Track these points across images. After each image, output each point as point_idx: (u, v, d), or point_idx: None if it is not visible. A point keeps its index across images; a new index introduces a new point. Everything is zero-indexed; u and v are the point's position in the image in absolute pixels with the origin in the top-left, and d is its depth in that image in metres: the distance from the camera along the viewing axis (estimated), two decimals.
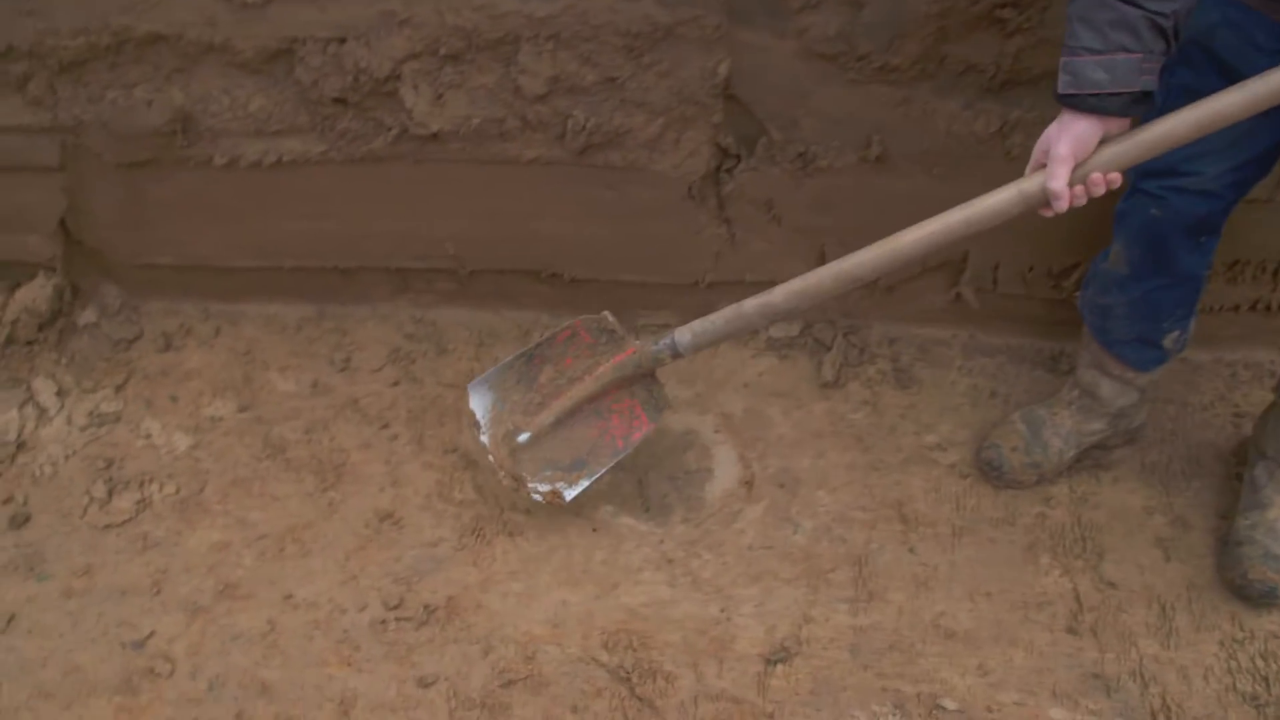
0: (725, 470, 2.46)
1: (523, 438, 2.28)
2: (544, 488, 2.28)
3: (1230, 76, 1.72)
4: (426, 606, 2.24)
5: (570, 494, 2.28)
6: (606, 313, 2.28)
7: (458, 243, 2.54)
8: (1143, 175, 1.97)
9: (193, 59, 2.27)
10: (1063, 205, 1.75)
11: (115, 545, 2.35)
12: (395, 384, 2.60)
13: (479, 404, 2.31)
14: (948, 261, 2.49)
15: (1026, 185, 1.79)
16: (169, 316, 2.72)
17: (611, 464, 2.28)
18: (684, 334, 2.17)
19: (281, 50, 2.25)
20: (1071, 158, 1.71)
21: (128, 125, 2.31)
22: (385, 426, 2.53)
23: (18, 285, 2.61)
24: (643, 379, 2.27)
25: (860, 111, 2.27)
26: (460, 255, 2.56)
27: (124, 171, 2.43)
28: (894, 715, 2.11)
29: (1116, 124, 1.71)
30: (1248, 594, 2.19)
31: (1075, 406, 2.36)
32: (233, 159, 2.39)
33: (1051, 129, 1.74)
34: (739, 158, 2.39)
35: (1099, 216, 2.29)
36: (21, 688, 2.15)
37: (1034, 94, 2.20)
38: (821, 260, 2.51)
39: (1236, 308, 2.50)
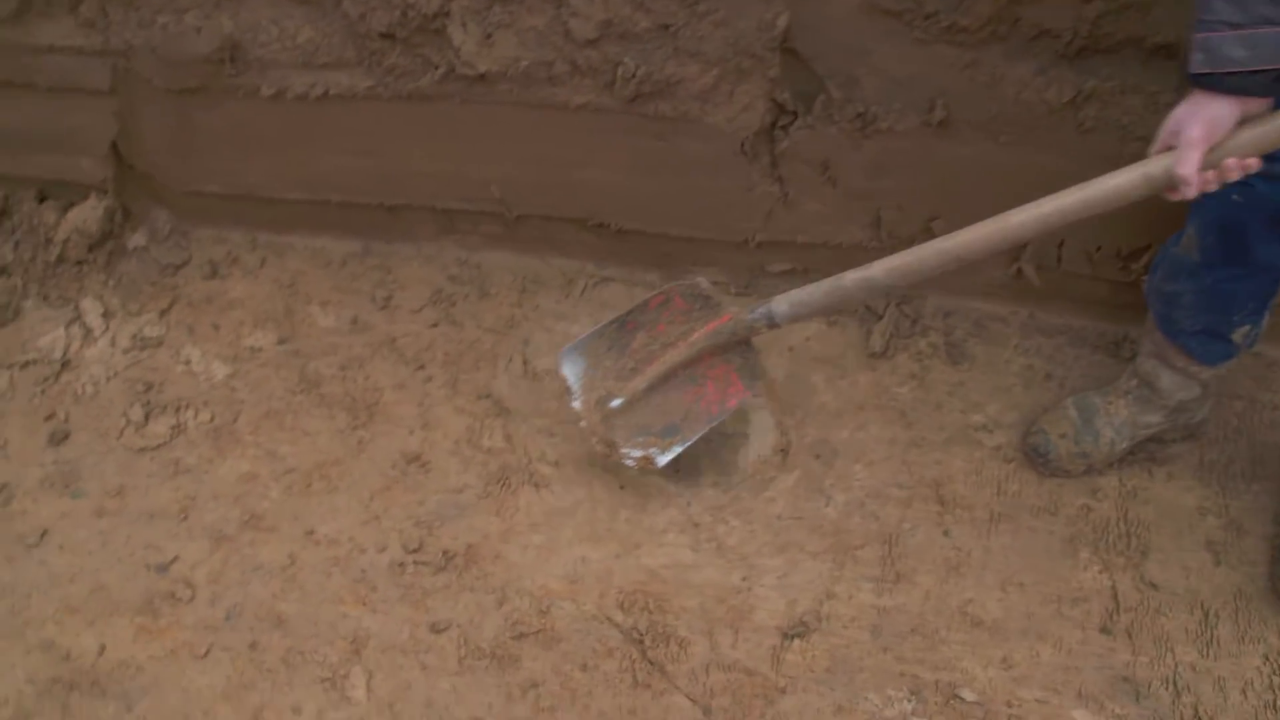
0: (761, 436, 2.40)
1: (616, 403, 2.25)
2: (636, 453, 2.24)
3: None
4: (445, 552, 2.23)
5: (663, 460, 2.23)
6: (701, 279, 2.25)
7: (503, 186, 2.48)
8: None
9: None
10: (1191, 192, 1.63)
11: (148, 469, 2.37)
12: (434, 325, 2.57)
13: (571, 370, 2.29)
14: None
15: (1151, 168, 1.67)
16: (217, 244, 2.73)
17: (705, 430, 2.24)
18: (781, 303, 2.10)
19: None
20: (1204, 142, 1.58)
21: (177, 51, 2.29)
22: (421, 368, 2.50)
23: (70, 206, 2.63)
24: (738, 346, 2.21)
25: (924, 72, 2.15)
26: (506, 199, 2.51)
27: (173, 98, 2.42)
28: (909, 701, 2.04)
29: (1256, 104, 1.58)
30: None
31: (1132, 396, 2.24)
32: (280, 90, 2.36)
33: (1181, 110, 1.62)
34: (795, 115, 2.28)
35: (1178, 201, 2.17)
36: (49, 601, 2.20)
37: (1112, 63, 2.06)
38: (877, 226, 2.42)
39: None
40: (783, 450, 2.38)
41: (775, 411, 2.43)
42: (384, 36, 2.23)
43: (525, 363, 2.51)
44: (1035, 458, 2.29)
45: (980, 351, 2.50)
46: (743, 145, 2.30)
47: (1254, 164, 1.61)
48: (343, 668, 2.10)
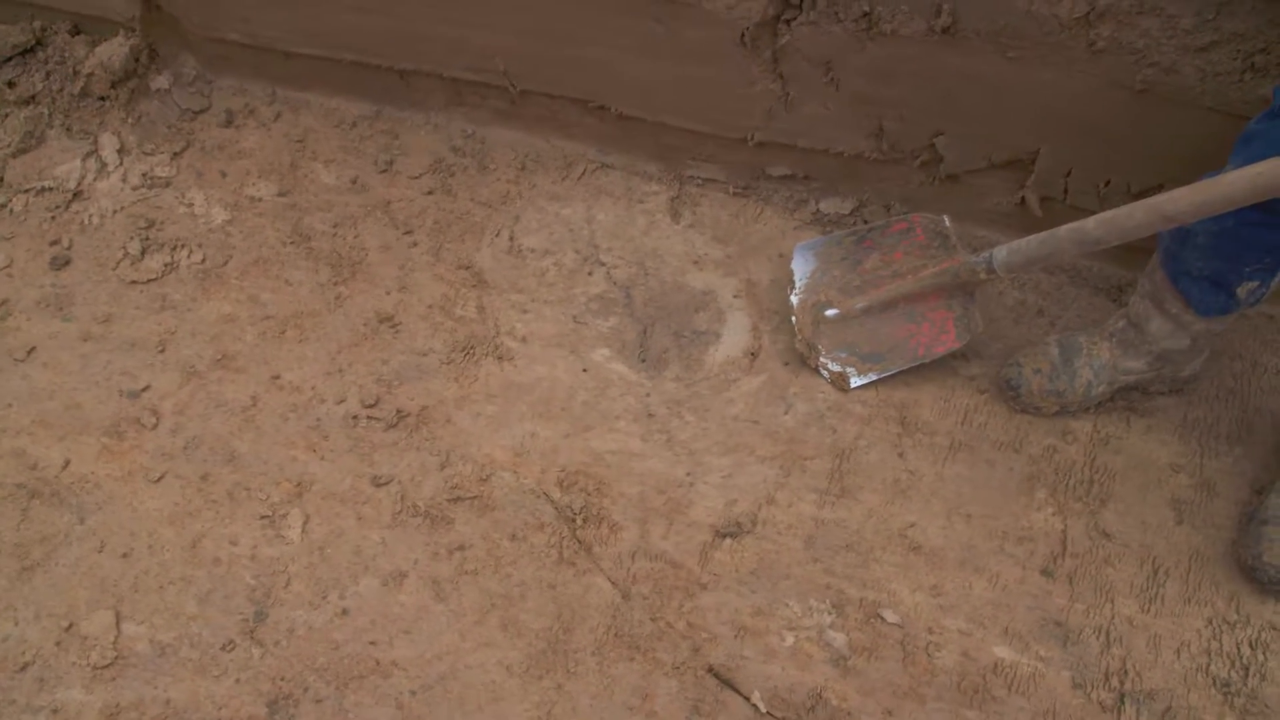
0: (734, 337, 2.36)
1: (831, 313, 2.29)
2: (834, 367, 2.28)
3: None
4: (399, 411, 2.26)
5: (856, 382, 2.27)
6: (945, 216, 2.26)
7: (507, 58, 2.45)
8: None
9: None
10: None
11: (136, 300, 2.44)
12: (429, 193, 2.58)
13: (800, 266, 2.36)
14: (1017, 159, 2.26)
15: None
16: (236, 95, 2.76)
17: (905, 367, 2.25)
18: (1000, 251, 2.09)
19: None
20: None
21: None
22: (409, 233, 2.52)
23: (99, 41, 2.69)
24: (961, 294, 2.22)
25: None
26: (510, 72, 2.48)
27: None
28: (829, 614, 2.01)
29: None
30: (1259, 576, 1.97)
31: (1117, 339, 2.13)
32: None
33: None
34: (800, 8, 2.20)
35: (1195, 134, 2.05)
36: (26, 413, 2.29)
37: None
38: (879, 137, 2.34)
39: None
40: (752, 354, 2.34)
41: (753, 314, 2.38)
42: None
43: (512, 239, 2.50)
44: (1007, 390, 2.20)
45: None
46: (743, 36, 2.23)
47: None
48: (283, 508, 2.15)
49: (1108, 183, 2.22)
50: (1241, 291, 1.94)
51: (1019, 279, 2.39)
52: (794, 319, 2.30)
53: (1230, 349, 2.26)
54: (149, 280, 2.47)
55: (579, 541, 2.10)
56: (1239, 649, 1.94)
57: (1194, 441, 2.18)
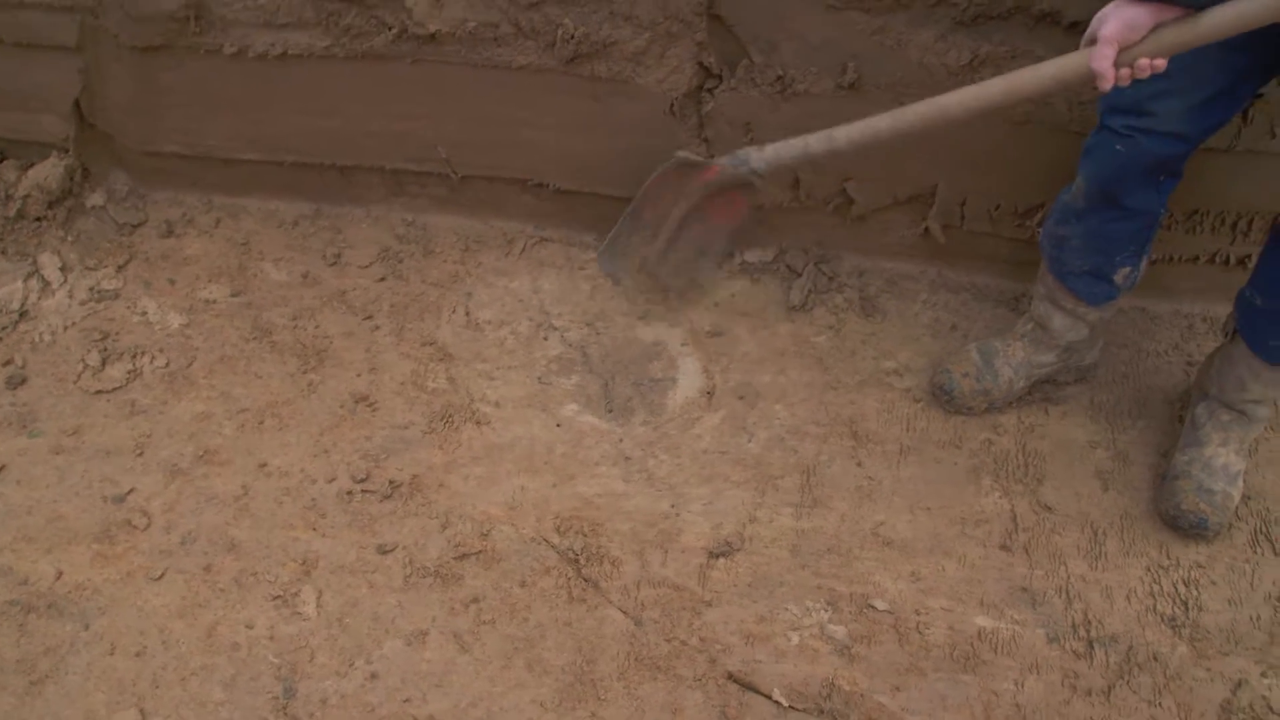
0: (689, 380, 2.57)
1: (650, 260, 2.57)
2: (682, 285, 2.67)
3: None
4: (392, 482, 2.36)
5: (707, 281, 2.70)
6: (682, 150, 2.49)
7: (449, 146, 2.64)
8: (1109, 111, 2.04)
9: None
10: (1107, 85, 1.78)
11: (104, 409, 2.47)
12: (382, 280, 2.71)
13: (608, 264, 2.65)
14: (917, 194, 2.58)
15: (1071, 60, 1.83)
16: (173, 206, 2.84)
17: (729, 237, 2.60)
18: (755, 156, 2.33)
19: None
20: (1117, 40, 1.73)
21: (145, 7, 2.43)
22: (369, 318, 2.64)
23: (31, 164, 2.73)
24: (725, 187, 2.45)
25: (837, 38, 2.36)
26: (452, 159, 2.67)
27: (138, 56, 2.55)
28: (826, 611, 2.21)
29: (1170, 12, 1.73)
30: (1179, 524, 2.28)
31: (1028, 339, 2.45)
32: (241, 49, 2.50)
33: (1107, 8, 1.76)
34: (720, 78, 2.48)
35: (1067, 157, 2.38)
36: (6, 531, 2.28)
37: (1004, 29, 2.29)
38: (797, 186, 2.62)
39: (1196, 259, 2.57)
40: (708, 393, 2.55)
41: (702, 358, 2.60)
42: None
43: (468, 313, 2.65)
44: (940, 395, 2.48)
45: (892, 306, 2.70)
46: (672, 106, 2.49)
47: (1161, 64, 1.76)
48: (293, 586, 2.21)
49: (998, 206, 2.56)
50: (1119, 278, 2.28)
51: (930, 300, 2.69)
52: (640, 289, 2.65)
53: (1117, 340, 2.61)
54: (114, 389, 2.50)
55: (585, 579, 2.24)
56: (1176, 588, 2.23)
57: (1103, 420, 2.50)
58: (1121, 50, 1.75)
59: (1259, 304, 2.14)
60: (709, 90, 2.50)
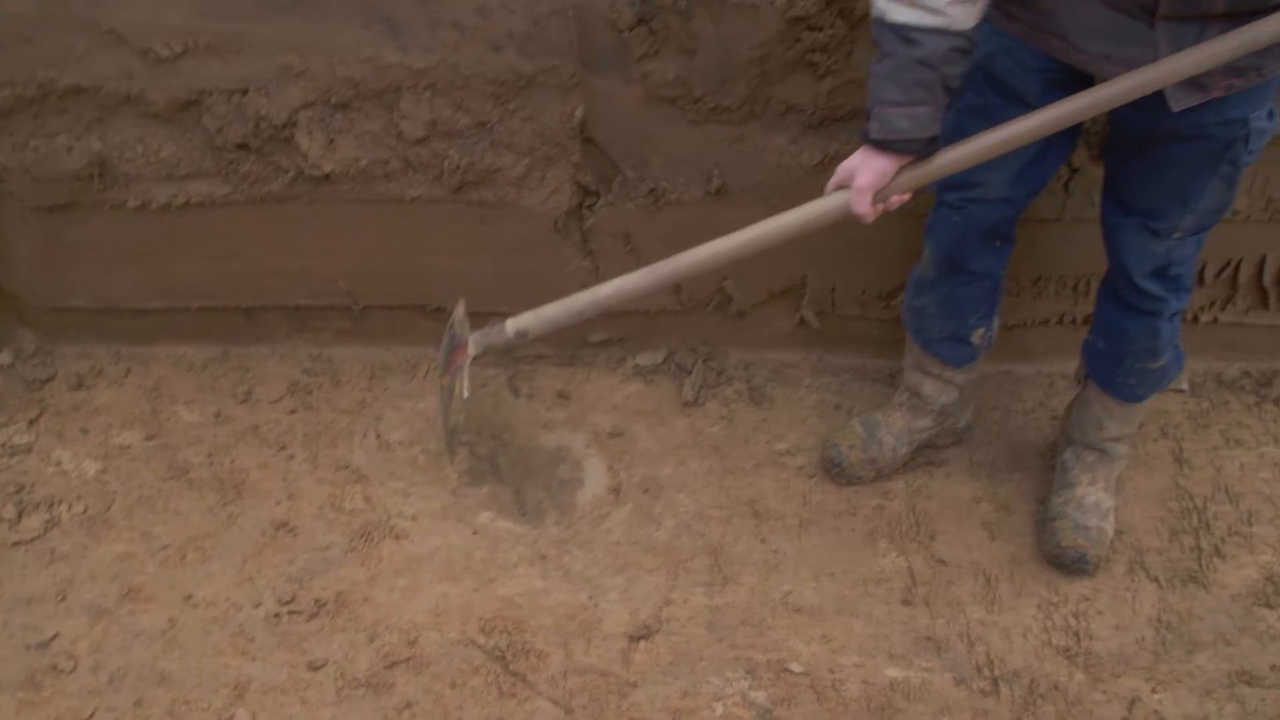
0: (595, 479, 2.70)
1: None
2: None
3: (1007, 94, 2.07)
4: (317, 601, 2.42)
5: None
6: (456, 309, 2.42)
7: (350, 279, 2.79)
8: (944, 189, 2.29)
9: (110, 109, 2.52)
10: (867, 220, 2.01)
11: (23, 560, 2.50)
12: (293, 412, 2.81)
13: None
14: (790, 287, 2.79)
15: (832, 203, 2.04)
16: (82, 359, 2.91)
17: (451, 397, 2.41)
18: (524, 324, 2.27)
19: (190, 101, 2.51)
20: (873, 187, 1.97)
21: (49, 170, 2.54)
22: (283, 449, 2.73)
23: None
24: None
25: (701, 149, 2.59)
26: (352, 291, 2.81)
27: (42, 215, 2.65)
28: (746, 679, 2.31)
29: (910, 159, 1.98)
30: (1062, 561, 2.46)
31: (905, 407, 2.64)
32: (145, 202, 2.62)
33: (855, 160, 1.99)
34: (598, 195, 2.68)
35: (918, 239, 2.62)
36: None
37: (848, 129, 2.53)
38: (679, 291, 2.81)
39: (1046, 321, 2.82)
40: (615, 489, 2.68)
41: (606, 458, 2.74)
42: (239, 147, 2.54)
43: (379, 436, 2.76)
44: (831, 468, 2.65)
45: (778, 393, 2.89)
46: (555, 224, 2.68)
47: (906, 196, 2.03)
48: (227, 710, 2.24)
49: (864, 291, 2.78)
50: (975, 339, 2.50)
51: (813, 384, 2.88)
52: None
53: (988, 403, 2.83)
54: (32, 539, 2.53)
55: (513, 674, 2.31)
56: (1067, 621, 2.39)
57: (983, 477, 2.69)
58: (876, 193, 1.99)
59: (1101, 347, 2.39)
60: (589, 207, 2.70)
